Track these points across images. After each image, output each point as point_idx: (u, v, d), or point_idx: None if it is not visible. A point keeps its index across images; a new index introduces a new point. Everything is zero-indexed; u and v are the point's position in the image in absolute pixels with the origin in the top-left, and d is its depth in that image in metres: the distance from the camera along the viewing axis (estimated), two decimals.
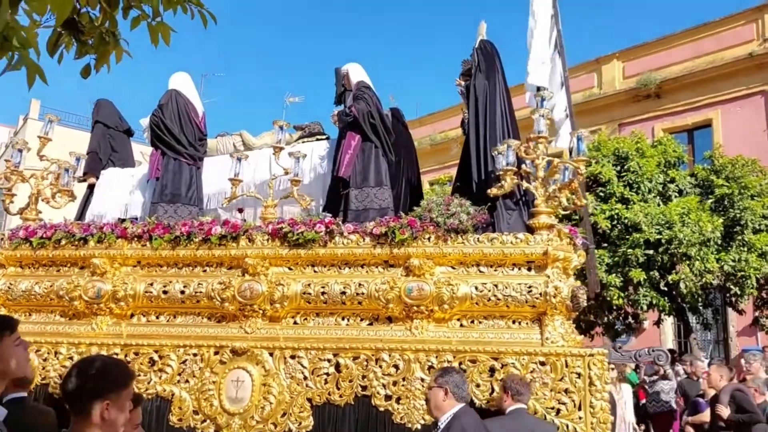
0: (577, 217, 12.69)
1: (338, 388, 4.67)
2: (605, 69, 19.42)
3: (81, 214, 6.44)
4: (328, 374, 4.71)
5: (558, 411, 4.30)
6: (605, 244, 12.39)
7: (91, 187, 6.54)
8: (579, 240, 4.90)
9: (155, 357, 5.05)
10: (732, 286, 12.30)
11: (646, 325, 16.20)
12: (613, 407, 7.39)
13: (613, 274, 11.92)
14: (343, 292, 4.84)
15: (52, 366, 5.23)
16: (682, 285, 11.72)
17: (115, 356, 5.13)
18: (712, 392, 6.99)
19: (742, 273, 11.91)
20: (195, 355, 4.98)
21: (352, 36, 67.88)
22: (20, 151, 5.83)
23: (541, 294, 4.51)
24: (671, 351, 14.34)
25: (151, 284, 5.24)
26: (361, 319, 4.92)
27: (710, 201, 12.42)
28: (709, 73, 16.85)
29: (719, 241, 11.91)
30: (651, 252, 11.67)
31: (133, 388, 2.41)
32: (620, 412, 8.15)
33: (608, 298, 12.05)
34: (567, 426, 4.24)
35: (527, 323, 4.64)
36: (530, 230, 4.79)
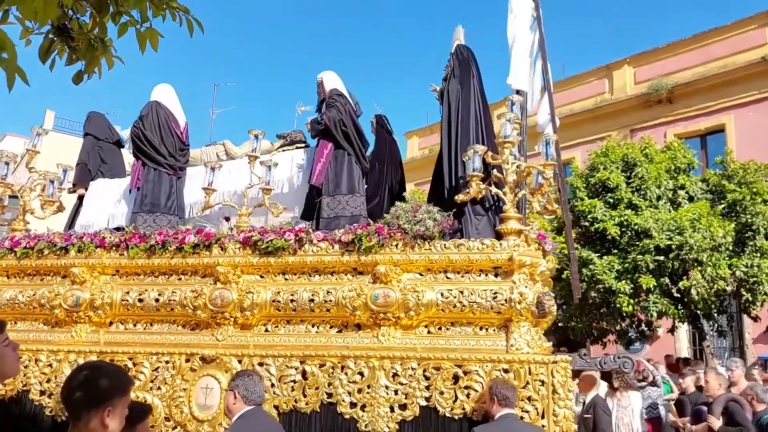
0: (586, 223, 12.65)
1: (304, 396, 4.68)
2: (616, 75, 19.27)
3: (71, 224, 6.57)
4: (294, 381, 4.73)
5: (521, 419, 4.25)
6: (615, 251, 12.27)
7: (80, 198, 6.67)
8: (549, 245, 4.86)
9: (129, 364, 5.11)
10: (744, 293, 12.08)
11: (660, 333, 15.95)
12: (609, 417, 7.28)
13: (623, 281, 11.78)
14: (312, 300, 4.87)
15: (32, 373, 5.34)
16: (693, 291, 11.56)
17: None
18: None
19: (755, 279, 11.69)
20: (167, 362, 5.04)
21: (360, 45, 68.22)
22: (7, 164, 5.98)
23: (506, 300, 4.48)
24: (685, 359, 14.05)
25: (128, 292, 5.33)
26: (331, 327, 4.94)
27: (721, 206, 12.23)
28: (722, 78, 16.64)
29: (731, 247, 11.72)
30: (662, 258, 11.52)
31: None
32: (627, 420, 8.00)
33: (618, 305, 11.91)
34: None
35: (494, 330, 4.60)
36: (499, 236, 4.76)
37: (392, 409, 4.49)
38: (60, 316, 5.47)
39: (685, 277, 11.71)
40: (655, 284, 11.64)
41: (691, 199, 12.69)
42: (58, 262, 5.57)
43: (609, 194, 12.69)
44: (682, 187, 12.72)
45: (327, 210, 5.33)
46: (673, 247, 11.38)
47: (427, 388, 4.47)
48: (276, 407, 4.72)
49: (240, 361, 4.87)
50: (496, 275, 4.66)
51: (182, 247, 5.20)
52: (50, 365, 5.33)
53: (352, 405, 4.57)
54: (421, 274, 4.81)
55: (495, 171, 5.01)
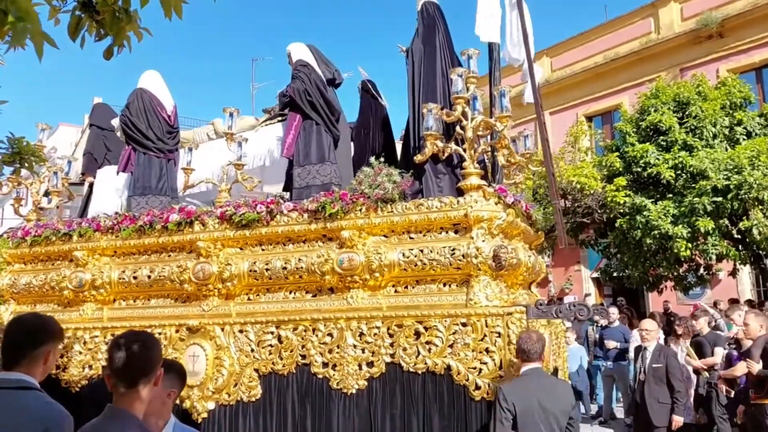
0: (638, 168, 12.14)
1: (281, 358, 4.90)
2: (662, 12, 18.25)
3: (83, 211, 7.00)
4: (272, 345, 4.95)
5: (480, 371, 4.31)
6: (670, 195, 11.82)
7: (90, 186, 7.09)
8: (510, 198, 4.81)
9: None
10: None
11: (721, 276, 15.29)
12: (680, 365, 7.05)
13: (680, 225, 11.32)
14: (285, 268, 5.05)
15: None
16: (755, 231, 11.00)
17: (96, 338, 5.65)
18: (749, 344, 6.50)
19: None
20: (160, 333, 5.36)
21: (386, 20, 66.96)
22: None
23: (463, 255, 4.50)
24: (749, 302, 13.40)
25: (123, 271, 5.68)
26: (306, 292, 5.11)
27: None
28: None
29: None
30: (720, 199, 10.98)
31: None
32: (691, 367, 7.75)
33: (675, 251, 11.48)
34: (488, 385, 4.25)
35: (456, 285, 4.64)
36: (461, 193, 4.76)
37: (360, 367, 4.64)
38: (69, 296, 5.90)
39: (745, 218, 11.15)
40: (714, 226, 11.11)
41: (749, 135, 12.02)
42: (63, 247, 6.00)
43: (661, 137, 12.17)
44: (739, 124, 12.06)
45: (298, 180, 5.46)
46: (732, 186, 10.81)
47: (392, 345, 4.59)
48: (256, 370, 4.97)
49: (222, 329, 5.14)
50: (456, 232, 4.68)
51: (167, 226, 5.48)
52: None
53: (324, 365, 4.75)
54: (386, 237, 4.89)
55: (458, 128, 4.97)
